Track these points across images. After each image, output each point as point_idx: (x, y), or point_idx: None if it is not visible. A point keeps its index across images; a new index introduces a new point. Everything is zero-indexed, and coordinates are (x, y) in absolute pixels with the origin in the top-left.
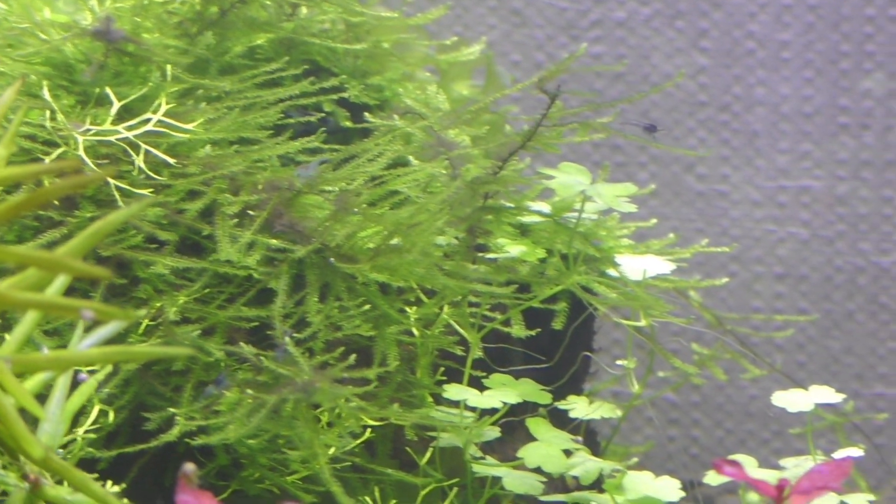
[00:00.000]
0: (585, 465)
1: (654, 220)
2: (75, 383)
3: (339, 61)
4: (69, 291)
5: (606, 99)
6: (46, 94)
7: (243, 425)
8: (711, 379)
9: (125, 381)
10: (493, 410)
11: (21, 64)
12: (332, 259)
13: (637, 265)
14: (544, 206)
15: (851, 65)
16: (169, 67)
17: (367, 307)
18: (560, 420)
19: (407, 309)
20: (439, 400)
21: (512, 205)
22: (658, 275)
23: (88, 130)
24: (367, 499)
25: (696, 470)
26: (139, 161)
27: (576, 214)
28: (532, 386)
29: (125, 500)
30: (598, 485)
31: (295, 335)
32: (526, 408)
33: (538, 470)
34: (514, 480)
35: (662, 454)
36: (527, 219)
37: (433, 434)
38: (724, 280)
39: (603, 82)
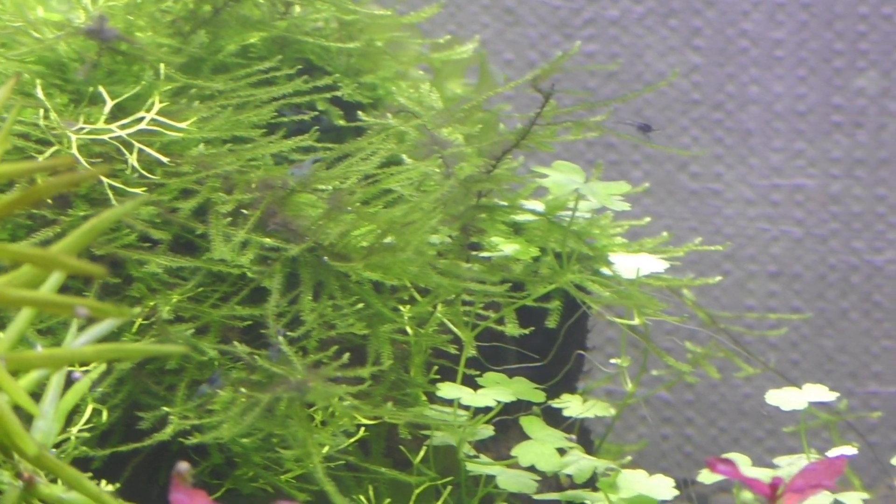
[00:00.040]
0: (579, 463)
1: (647, 219)
2: (69, 382)
3: (333, 60)
4: (62, 290)
5: (600, 97)
6: (40, 92)
7: (237, 424)
8: (705, 377)
9: (119, 380)
10: (487, 409)
11: (14, 63)
12: (325, 258)
13: (631, 263)
14: (538, 205)
15: (845, 63)
16: (162, 66)
17: (360, 306)
18: (554, 418)
19: (400, 307)
20: (433, 398)
21: (505, 203)
22: (651, 273)
23: (82, 129)
24: (362, 497)
25: (689, 468)
26: (132, 160)
27: (569, 213)
28: (526, 384)
29: (119, 500)
30: (591, 483)
31: (288, 334)
32: (520, 406)
33: (532, 468)
34: (508, 479)
35: (656, 452)
36: (520, 217)
37: (427, 433)
38: (718, 278)
39: (596, 81)
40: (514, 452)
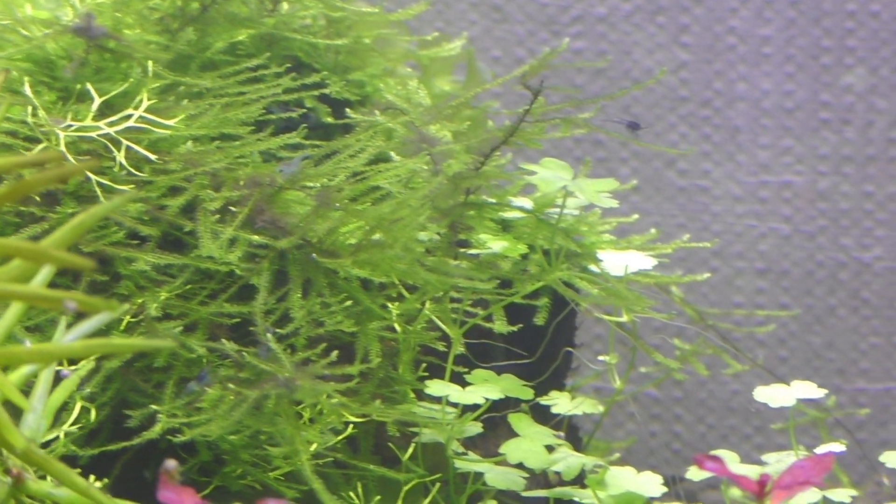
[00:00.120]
0: (567, 460)
1: (635, 216)
2: (57, 380)
3: (321, 57)
4: (50, 288)
5: (588, 94)
6: (28, 90)
7: (225, 421)
8: (693, 374)
9: (107, 377)
10: (476, 406)
11: (2, 60)
12: (313, 254)
13: (619, 261)
14: (526, 202)
15: (833, 60)
16: (150, 63)
17: (349, 303)
18: (542, 416)
19: (389, 305)
20: (421, 396)
21: (494, 200)
22: (640, 270)
23: (70, 126)
24: (350, 494)
25: (678, 465)
26: (120, 157)
27: (557, 210)
28: (514, 382)
29: (108, 496)
30: (580, 480)
31: (277, 331)
32: (508, 403)
33: (520, 466)
34: (497, 476)
35: (644, 450)
36: (508, 214)
37: (415, 430)
38: (706, 275)
39: (584, 78)
40: (502, 450)
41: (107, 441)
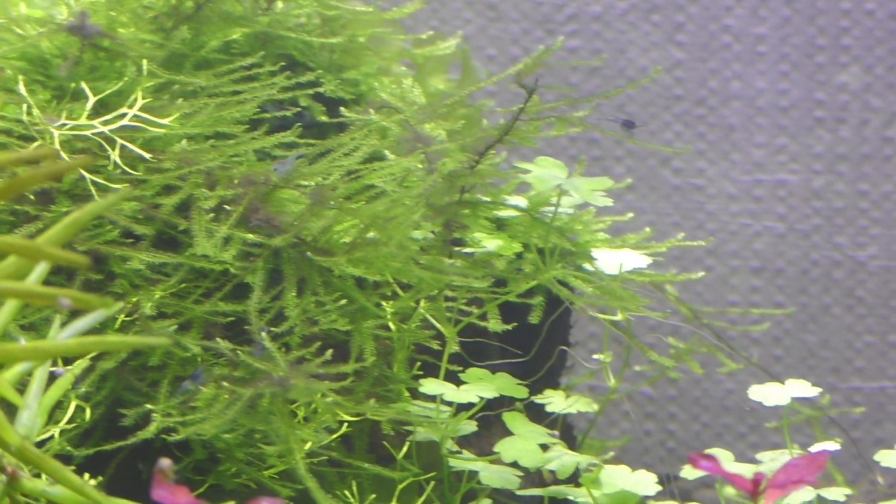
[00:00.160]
0: (562, 459)
1: (630, 215)
2: (52, 379)
3: (315, 56)
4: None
5: (583, 93)
6: (22, 88)
7: (220, 420)
8: (688, 373)
9: (102, 376)
10: (470, 405)
11: None
12: (308, 253)
13: (613, 259)
14: (521, 201)
15: (827, 59)
16: (144, 62)
17: (343, 301)
18: (537, 414)
19: (383, 303)
20: (416, 394)
21: (488, 199)
22: (634, 269)
23: (64, 125)
24: (345, 493)
25: (672, 464)
26: (115, 156)
27: (552, 209)
28: (508, 380)
29: (103, 494)
30: (574, 479)
31: (272, 330)
32: (502, 402)
33: (515, 464)
34: (491, 475)
35: (639, 448)
36: (503, 213)
37: (410, 429)
38: (701, 274)
39: (579, 76)
40: (496, 448)
41: (101, 440)
